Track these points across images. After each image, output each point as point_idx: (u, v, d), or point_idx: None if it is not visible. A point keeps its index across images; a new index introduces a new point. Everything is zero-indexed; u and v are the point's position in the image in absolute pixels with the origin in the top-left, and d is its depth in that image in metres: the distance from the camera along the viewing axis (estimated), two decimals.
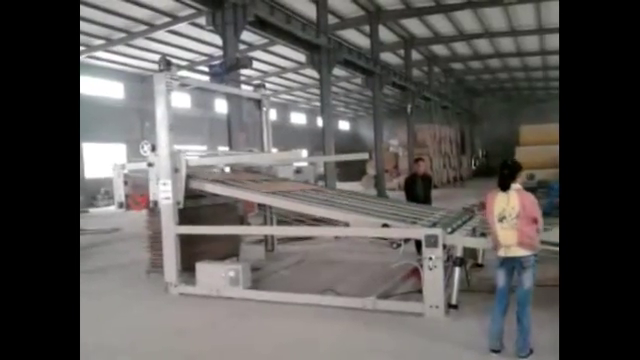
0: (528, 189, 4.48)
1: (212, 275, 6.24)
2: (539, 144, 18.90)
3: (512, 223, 3.91)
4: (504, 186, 3.99)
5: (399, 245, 5.43)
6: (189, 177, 6.58)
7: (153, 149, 6.55)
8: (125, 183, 7.12)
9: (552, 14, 18.89)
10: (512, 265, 4.02)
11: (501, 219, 3.96)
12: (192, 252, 6.70)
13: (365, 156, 8.85)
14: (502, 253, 4.04)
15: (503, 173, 4.00)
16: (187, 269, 6.48)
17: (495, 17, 19.65)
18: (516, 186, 4.00)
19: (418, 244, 5.65)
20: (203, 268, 6.33)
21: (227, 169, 7.81)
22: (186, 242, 6.60)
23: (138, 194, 7.00)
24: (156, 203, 6.56)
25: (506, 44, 23.96)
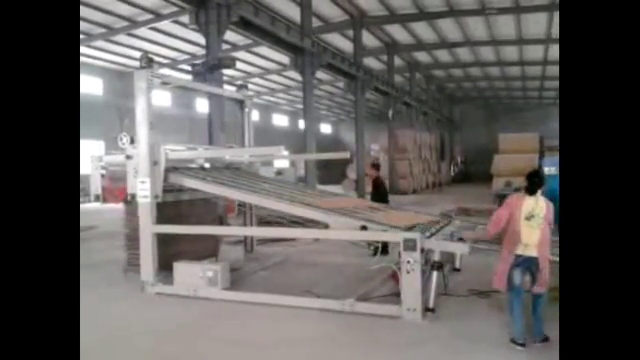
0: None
1: (190, 275, 6.18)
2: (517, 152, 19.29)
3: (539, 222, 4.36)
4: (533, 191, 4.46)
5: (376, 248, 5.47)
6: (168, 171, 6.49)
7: (132, 141, 6.45)
8: (102, 176, 6.99)
9: (530, 26, 19.36)
10: (528, 265, 4.40)
11: (529, 217, 4.37)
12: (170, 251, 6.62)
13: (346, 155, 8.80)
14: (520, 251, 4.42)
15: (534, 181, 4.49)
16: (165, 268, 6.40)
17: (476, 27, 20.02)
18: (540, 192, 4.48)
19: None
20: (181, 268, 6.26)
21: (207, 165, 7.72)
22: (164, 241, 6.52)
23: (115, 187, 6.90)
24: (133, 196, 6.46)
25: (486, 53, 24.42)
